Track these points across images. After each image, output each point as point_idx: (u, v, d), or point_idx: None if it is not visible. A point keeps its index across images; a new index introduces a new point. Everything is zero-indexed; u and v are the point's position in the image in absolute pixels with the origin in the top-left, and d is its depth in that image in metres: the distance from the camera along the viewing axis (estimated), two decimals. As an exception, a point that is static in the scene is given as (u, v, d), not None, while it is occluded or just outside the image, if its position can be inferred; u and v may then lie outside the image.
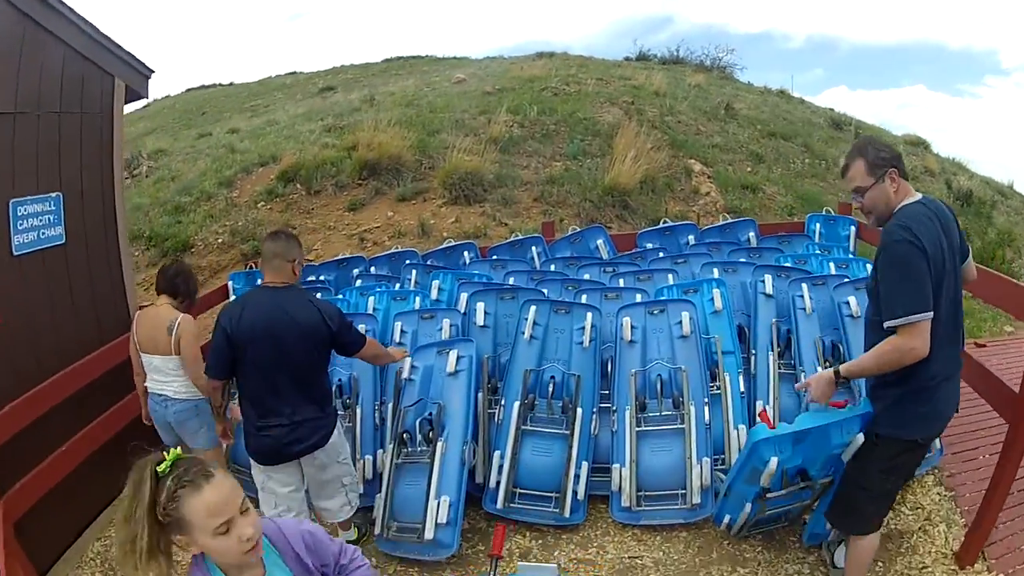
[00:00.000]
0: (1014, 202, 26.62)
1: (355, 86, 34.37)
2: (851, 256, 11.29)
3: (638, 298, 9.30)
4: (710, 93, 27.73)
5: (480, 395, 8.52)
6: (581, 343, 8.65)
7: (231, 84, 51.22)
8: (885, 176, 5.38)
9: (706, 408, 8.11)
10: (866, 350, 5.47)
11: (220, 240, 16.72)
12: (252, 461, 6.81)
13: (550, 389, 8.42)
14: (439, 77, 31.28)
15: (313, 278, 11.54)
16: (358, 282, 11.29)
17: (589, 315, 8.74)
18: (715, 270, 10.12)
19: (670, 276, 10.07)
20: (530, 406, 8.33)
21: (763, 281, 9.42)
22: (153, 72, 9.47)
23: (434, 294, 10.13)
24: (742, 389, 8.51)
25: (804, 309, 8.97)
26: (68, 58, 7.98)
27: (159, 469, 3.21)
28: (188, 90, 52.02)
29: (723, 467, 8.02)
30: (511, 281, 10.36)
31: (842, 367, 5.58)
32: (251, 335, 6.34)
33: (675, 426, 8.08)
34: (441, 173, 17.49)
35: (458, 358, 8.37)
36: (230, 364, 6.53)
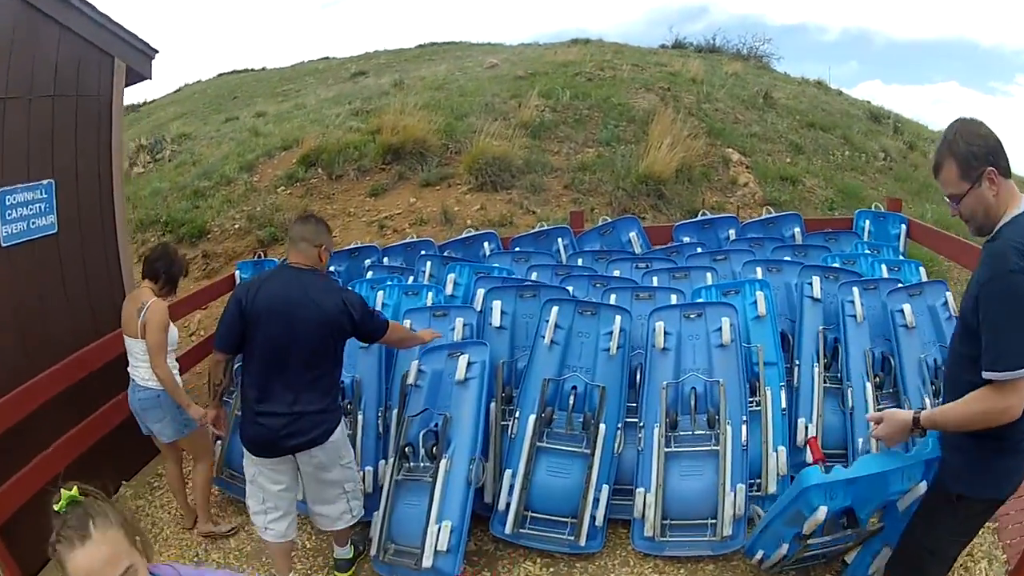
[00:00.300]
0: None
1: (387, 71, 33.79)
2: (902, 257, 10.57)
3: (673, 299, 8.62)
4: (747, 82, 26.90)
5: (493, 405, 7.82)
6: (607, 350, 7.88)
7: (263, 69, 50.57)
8: (982, 178, 4.34)
9: (744, 427, 7.36)
10: (949, 385, 4.69)
11: (237, 226, 16.29)
12: (244, 450, 6.40)
13: (571, 401, 7.66)
14: (472, 62, 30.74)
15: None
16: (369, 273, 10.63)
17: (618, 318, 7.98)
18: (758, 269, 9.34)
19: (708, 275, 9.34)
20: (547, 420, 7.61)
21: (810, 283, 8.67)
22: (157, 52, 9.08)
23: (449, 289, 9.47)
24: (784, 406, 7.75)
25: (855, 316, 8.27)
26: (63, 39, 7.64)
27: (55, 506, 3.02)
28: (220, 75, 51.63)
29: (758, 492, 7.35)
30: (534, 276, 9.75)
31: (923, 416, 4.62)
32: (267, 309, 6.11)
33: (708, 448, 7.33)
34: (467, 158, 16.83)
35: (468, 364, 7.69)
36: (238, 338, 6.27)
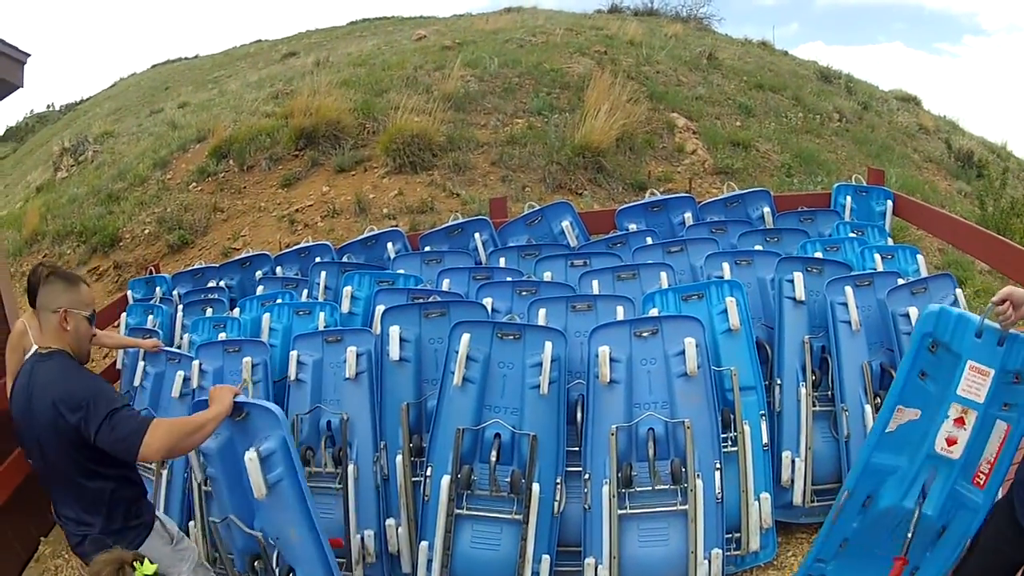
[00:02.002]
0: (1011, 164, 24.48)
1: (317, 50, 32.77)
2: (889, 240, 9.09)
3: (620, 313, 6.87)
4: (689, 43, 25.87)
5: (400, 459, 6.38)
6: (537, 387, 6.17)
7: (196, 57, 50.32)
8: None
9: (717, 475, 5.93)
10: None
11: (147, 231, 14.99)
12: None
13: (493, 454, 6.06)
14: (402, 36, 29.93)
15: (214, 283, 9.89)
16: (260, 288, 9.39)
17: (548, 346, 6.23)
18: (724, 265, 7.67)
19: (663, 274, 7.68)
20: (466, 480, 6.03)
21: (791, 281, 7.09)
22: (29, 56, 8.38)
23: (345, 305, 8.11)
24: (765, 440, 6.45)
25: (849, 323, 6.80)
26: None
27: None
28: (154, 66, 51.20)
29: (737, 551, 6.14)
30: (446, 284, 8.21)
31: None
32: (12, 418, 4.82)
33: (673, 507, 5.86)
34: (384, 138, 15.42)
35: (357, 356, 6.69)
36: None
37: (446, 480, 5.94)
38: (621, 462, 5.95)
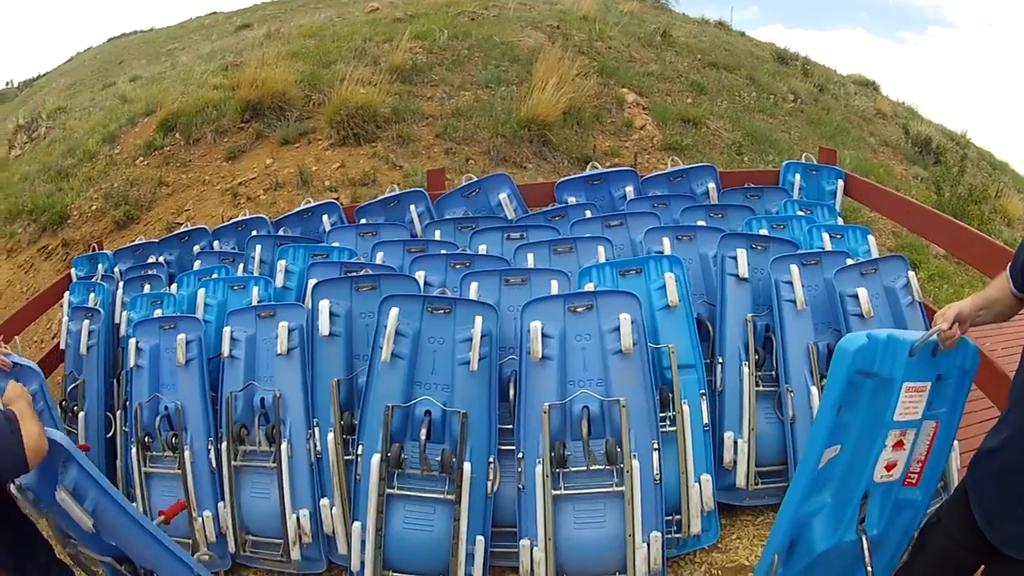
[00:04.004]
0: (971, 152, 24.82)
1: (271, 22, 32.28)
2: (840, 219, 8.99)
3: (554, 287, 6.66)
4: (644, 20, 25.57)
5: (331, 436, 6.24)
6: (468, 363, 5.97)
7: (151, 29, 49.10)
8: None
9: (655, 456, 5.74)
10: None
11: (94, 207, 14.59)
12: None
13: (423, 433, 5.84)
14: (355, 8, 29.29)
15: (154, 258, 9.56)
16: (197, 263, 9.13)
17: (478, 320, 6.03)
18: (665, 240, 7.42)
19: (601, 248, 7.41)
20: (396, 459, 5.82)
21: (734, 257, 6.88)
22: None
23: (279, 280, 7.91)
24: (705, 421, 6.24)
25: (794, 302, 6.61)
26: None
27: None
28: (110, 39, 50.14)
29: (678, 534, 5.98)
30: (379, 257, 8.00)
31: None
32: None
33: (609, 488, 5.69)
34: (329, 110, 15.05)
35: (289, 332, 6.57)
36: None
37: (376, 459, 5.76)
38: (554, 441, 5.76)
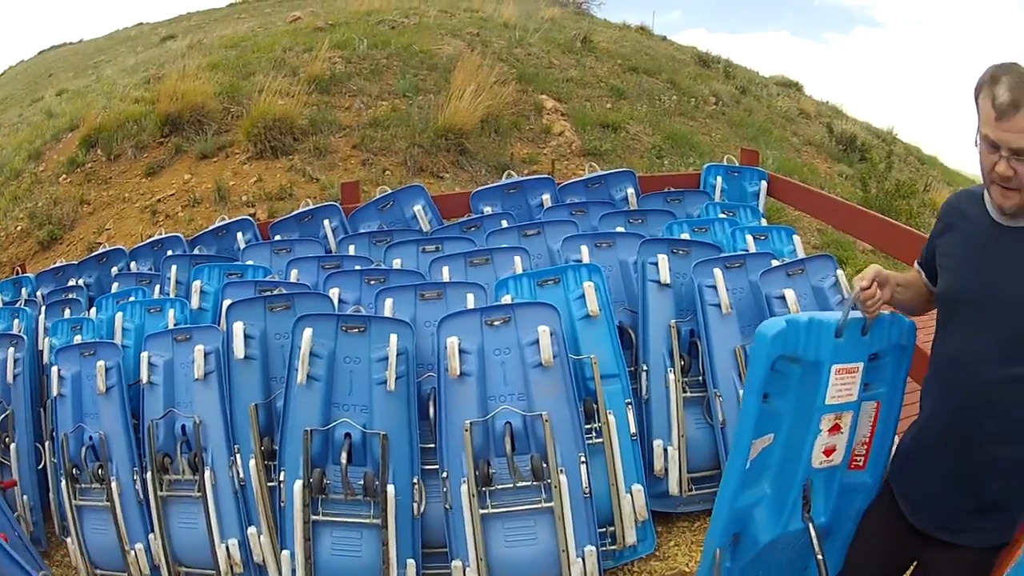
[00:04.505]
0: (898, 148, 24.95)
1: (195, 32, 31.75)
2: (763, 220, 8.87)
3: (470, 301, 6.52)
4: (565, 26, 25.55)
5: (253, 463, 6.08)
6: (384, 381, 5.83)
7: (80, 41, 48.47)
8: None
9: (583, 468, 5.66)
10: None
11: (19, 227, 14.29)
12: None
13: (344, 456, 5.72)
14: (278, 18, 29.15)
15: (74, 281, 9.39)
16: (115, 286, 8.82)
17: (394, 338, 5.88)
18: (583, 247, 7.35)
19: (517, 259, 7.33)
20: (319, 484, 5.72)
21: (655, 263, 6.75)
22: None
23: (195, 301, 7.71)
24: (633, 430, 6.13)
25: (719, 306, 6.49)
26: None
27: None
28: (40, 52, 49.44)
29: (613, 546, 5.91)
30: (294, 275, 7.92)
31: None
32: None
33: (538, 504, 5.61)
34: (246, 123, 14.68)
35: (205, 355, 6.35)
36: None
37: (298, 485, 5.65)
38: (478, 459, 5.66)
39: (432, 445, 5.93)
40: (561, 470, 5.52)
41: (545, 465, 5.54)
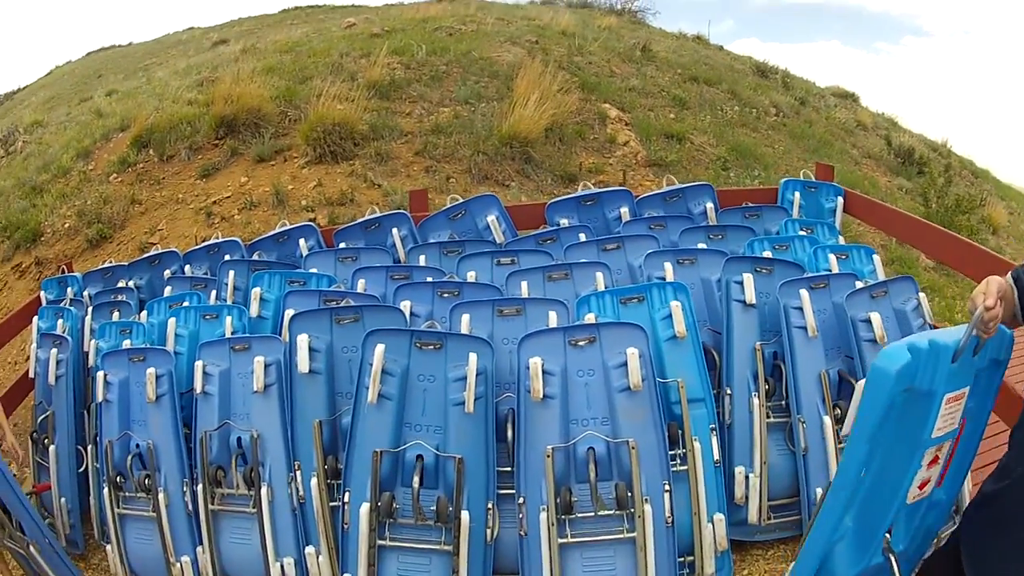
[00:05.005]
0: (952, 161, 24.80)
1: (249, 37, 31.92)
2: (840, 238, 8.33)
3: (552, 319, 6.15)
4: (622, 35, 25.26)
5: (315, 482, 5.77)
6: (462, 404, 5.48)
7: (129, 44, 48.15)
8: None
9: (667, 497, 5.31)
10: None
11: (67, 225, 14.26)
12: None
13: (416, 480, 5.39)
14: (332, 24, 29.12)
15: (124, 282, 9.06)
16: (168, 289, 8.49)
17: (473, 358, 5.50)
18: (667, 265, 6.92)
19: (599, 275, 6.91)
20: (388, 508, 5.37)
21: (740, 282, 6.45)
22: None
23: (254, 309, 7.39)
24: (716, 456, 5.79)
25: (805, 329, 6.15)
26: None
27: None
28: (88, 54, 48.88)
29: None
30: (361, 285, 7.50)
31: None
32: None
33: (619, 535, 5.25)
34: (305, 127, 14.52)
35: (266, 367, 6.09)
36: None
37: (365, 508, 5.33)
38: (559, 486, 5.32)
39: (508, 469, 5.63)
40: (646, 499, 5.20)
41: (630, 494, 5.22)
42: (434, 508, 5.33)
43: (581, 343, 5.63)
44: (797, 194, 8.94)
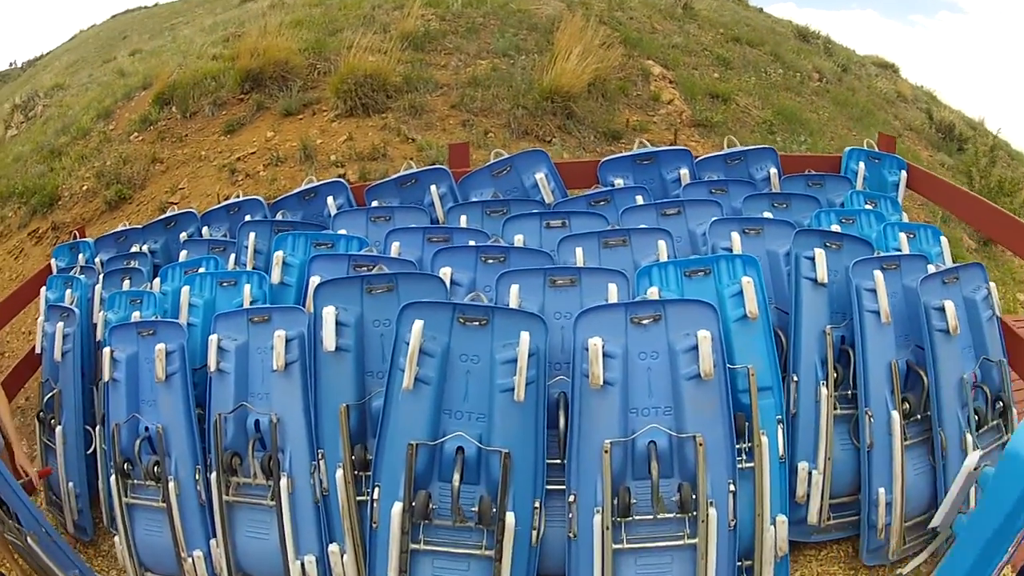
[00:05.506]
0: (988, 141, 23.02)
1: None
2: (902, 215, 7.90)
3: (611, 292, 5.59)
4: None
5: (340, 473, 5.28)
6: (511, 390, 4.87)
7: (155, 4, 48.23)
8: None
9: (731, 499, 4.87)
10: None
11: (85, 187, 13.97)
12: None
13: (456, 476, 4.85)
14: None
15: (137, 247, 8.57)
16: (183, 254, 7.98)
17: (525, 337, 4.91)
18: (734, 235, 6.37)
19: (662, 243, 6.37)
20: (423, 508, 4.82)
21: (811, 258, 5.95)
22: None
23: (275, 275, 6.79)
24: (781, 452, 5.34)
25: (878, 314, 5.71)
26: None
27: None
28: (113, 16, 49.32)
29: None
30: (394, 248, 6.92)
31: None
32: None
33: (680, 541, 4.81)
34: (335, 79, 14.04)
35: (287, 342, 5.52)
36: None
37: (397, 509, 4.79)
38: (616, 485, 4.81)
39: (557, 461, 5.09)
40: (711, 503, 4.73)
41: (694, 496, 4.74)
42: (475, 509, 4.80)
43: (645, 321, 5.12)
44: (862, 164, 8.47)
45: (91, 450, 6.74)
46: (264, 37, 15.23)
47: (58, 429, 6.72)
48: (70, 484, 6.65)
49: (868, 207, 7.49)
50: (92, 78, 22.67)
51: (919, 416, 5.66)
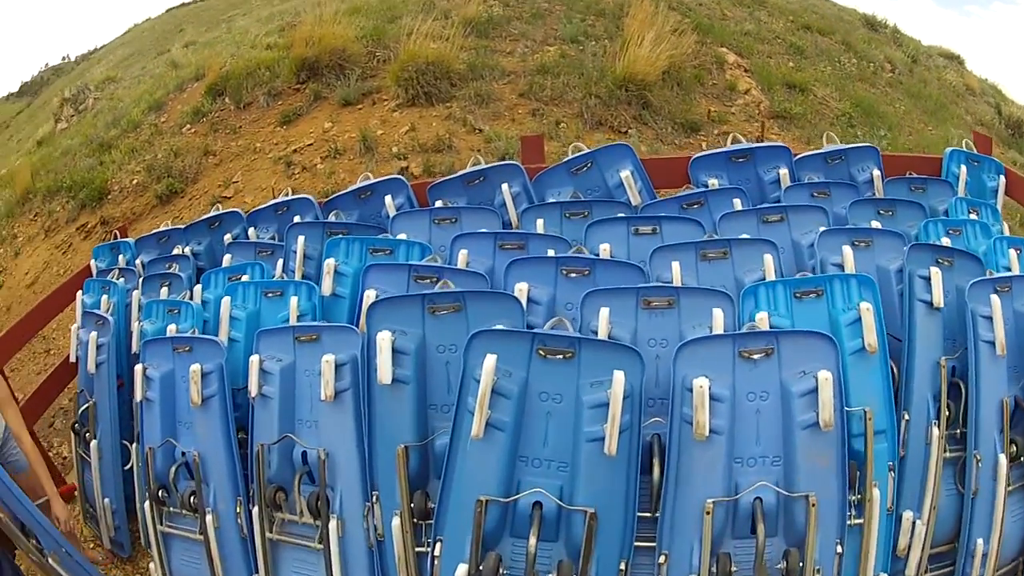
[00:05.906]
0: None
1: None
2: (1005, 226, 7.29)
3: (717, 318, 4.91)
4: None
5: (397, 522, 4.78)
6: (600, 440, 4.18)
7: None
8: None
9: (836, 561, 4.36)
10: None
11: (135, 181, 13.81)
12: None
13: (532, 539, 4.15)
14: None
15: (180, 249, 8.16)
16: (227, 258, 7.50)
17: (619, 377, 4.16)
18: (846, 250, 5.68)
19: (768, 257, 5.72)
20: (492, 573, 4.15)
21: (926, 277, 5.30)
22: None
23: (326, 285, 6.25)
24: (890, 503, 4.80)
25: (994, 343, 5.09)
26: None
27: None
28: (168, 10, 49.33)
29: None
30: (462, 257, 6.27)
31: None
32: None
33: None
34: (395, 66, 13.62)
35: (338, 367, 4.93)
36: None
37: (463, 572, 4.16)
38: (715, 548, 4.22)
39: (647, 514, 4.45)
40: (817, 571, 4.22)
41: (801, 565, 4.16)
42: (553, 575, 4.19)
43: (755, 356, 4.48)
44: (963, 168, 7.80)
45: (128, 466, 6.40)
46: (320, 25, 14.98)
47: (93, 443, 6.43)
48: (106, 500, 6.40)
49: (972, 216, 6.85)
50: (144, 71, 22.77)
51: (1022, 459, 5.16)
